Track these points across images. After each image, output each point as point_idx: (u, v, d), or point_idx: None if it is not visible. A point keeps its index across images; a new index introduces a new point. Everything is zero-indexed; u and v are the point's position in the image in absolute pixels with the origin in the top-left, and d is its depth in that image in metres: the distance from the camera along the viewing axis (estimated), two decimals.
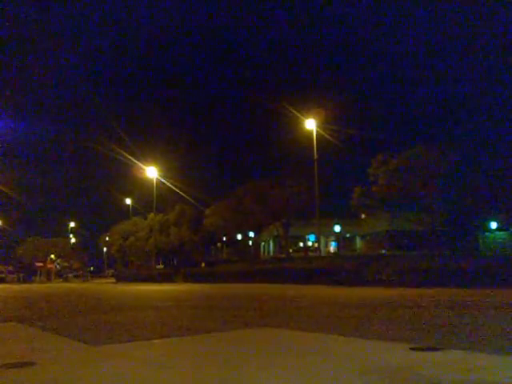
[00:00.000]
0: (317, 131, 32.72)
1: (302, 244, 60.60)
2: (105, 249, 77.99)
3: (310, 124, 33.00)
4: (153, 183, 49.90)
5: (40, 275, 74.84)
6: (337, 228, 56.00)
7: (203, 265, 47.76)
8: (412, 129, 68.32)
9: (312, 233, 53.97)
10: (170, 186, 48.36)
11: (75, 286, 45.26)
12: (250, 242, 59.37)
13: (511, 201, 31.12)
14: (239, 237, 56.33)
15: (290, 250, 49.33)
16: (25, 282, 66.14)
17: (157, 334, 6.85)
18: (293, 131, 36.78)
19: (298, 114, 33.66)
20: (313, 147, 32.31)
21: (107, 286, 39.42)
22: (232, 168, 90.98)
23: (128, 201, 65.01)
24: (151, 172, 49.51)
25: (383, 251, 43.20)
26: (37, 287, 40.77)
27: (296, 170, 40.74)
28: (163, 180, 49.14)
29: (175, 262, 60.50)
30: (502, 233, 41.37)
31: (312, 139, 32.56)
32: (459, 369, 4.13)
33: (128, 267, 67.86)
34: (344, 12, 72.67)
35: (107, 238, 69.56)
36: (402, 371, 4.03)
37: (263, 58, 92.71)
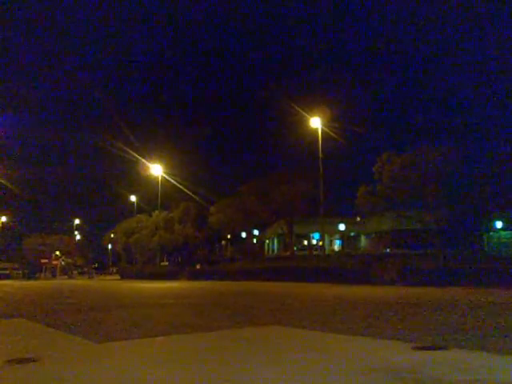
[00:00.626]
0: (322, 130, 32.67)
1: (306, 242, 60.52)
2: (109, 246, 78.16)
3: (316, 122, 32.95)
4: (158, 181, 49.99)
5: (45, 272, 75.10)
6: (341, 226, 55.89)
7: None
8: (417, 128, 68.01)
9: (316, 231, 53.87)
10: (175, 183, 48.45)
11: (80, 282, 45.42)
12: (255, 240, 59.38)
13: None
14: (244, 235, 56.34)
15: (295, 249, 49.29)
16: (30, 278, 66.40)
17: (160, 331, 6.87)
18: (298, 129, 36.75)
19: (304, 113, 33.63)
20: (318, 145, 32.27)
21: (112, 283, 39.54)
22: (237, 166, 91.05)
23: (133, 198, 65.15)
24: (156, 169, 49.58)
25: (388, 250, 43.08)
26: (41, 284, 40.92)
27: (301, 169, 40.74)
28: (168, 177, 49.23)
29: (180, 260, 60.58)
30: (507, 232, 41.22)
31: (317, 137, 32.52)
32: (462, 368, 4.12)
33: (132, 264, 68.01)
34: (350, 10, 72.50)
35: (112, 235, 69.72)
36: (404, 370, 4.03)
37: (268, 56, 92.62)
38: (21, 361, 4.61)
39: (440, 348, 4.96)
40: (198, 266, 46.91)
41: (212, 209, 48.29)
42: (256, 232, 55.38)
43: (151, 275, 48.29)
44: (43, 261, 76.03)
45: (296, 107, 33.86)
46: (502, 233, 41.56)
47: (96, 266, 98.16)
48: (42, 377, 4.08)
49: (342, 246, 61.07)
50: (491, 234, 41.51)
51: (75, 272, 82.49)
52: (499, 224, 41.41)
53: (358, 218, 40.10)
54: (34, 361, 4.61)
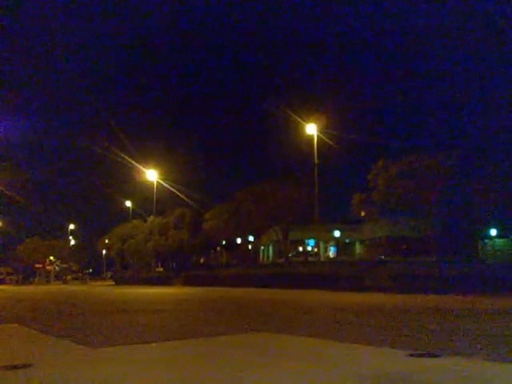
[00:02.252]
0: (318, 136, 32.71)
1: (301, 249, 60.49)
2: (104, 251, 77.85)
3: (311, 129, 33.00)
4: (153, 186, 49.91)
5: (39, 277, 74.77)
6: (336, 233, 55.95)
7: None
8: (413, 135, 68.37)
9: (311, 238, 53.89)
10: (171, 188, 48.35)
11: (74, 288, 45.21)
12: (250, 246, 59.30)
13: (511, 208, 31.14)
14: (239, 241, 56.24)
15: (290, 255, 49.23)
16: (23, 283, 66.09)
17: (155, 337, 6.85)
18: (294, 136, 36.80)
19: (299, 119, 33.68)
20: (313, 152, 32.30)
21: (106, 289, 39.38)
22: (232, 171, 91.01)
23: (128, 203, 65.05)
24: (151, 175, 49.50)
25: (383, 257, 43.16)
26: (35, 289, 40.72)
27: (296, 175, 40.73)
28: (163, 183, 49.14)
29: (174, 266, 60.41)
30: (501, 240, 41.38)
31: (313, 144, 32.57)
32: (457, 376, 4.13)
33: (127, 270, 67.77)
34: (346, 16, 72.77)
35: (107, 241, 69.46)
36: (399, 378, 4.03)
37: (264, 61, 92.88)
38: (15, 366, 4.58)
39: (434, 355, 4.96)
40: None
41: (207, 215, 48.20)
42: (251, 238, 55.30)
43: (146, 281, 48.12)
44: (37, 266, 75.69)
45: (292, 114, 33.93)
46: (497, 240, 41.72)
47: (90, 271, 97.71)
48: (35, 382, 4.06)
49: (337, 252, 61.09)
50: (486, 241, 41.66)
51: (69, 277, 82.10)
52: (494, 232, 41.59)
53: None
54: (28, 366, 4.58)
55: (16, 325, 9.01)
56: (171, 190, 48.36)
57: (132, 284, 49.32)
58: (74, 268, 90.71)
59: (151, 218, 56.23)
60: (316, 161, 32.07)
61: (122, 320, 9.92)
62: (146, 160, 50.27)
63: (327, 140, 33.19)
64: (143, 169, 49.21)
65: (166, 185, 48.74)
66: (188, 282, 40.76)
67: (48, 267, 78.13)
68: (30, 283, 67.41)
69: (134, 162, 47.35)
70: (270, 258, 60.97)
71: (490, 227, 40.47)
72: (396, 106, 77.50)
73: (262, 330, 7.54)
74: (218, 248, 63.76)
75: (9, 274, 73.18)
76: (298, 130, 34.55)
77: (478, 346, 5.75)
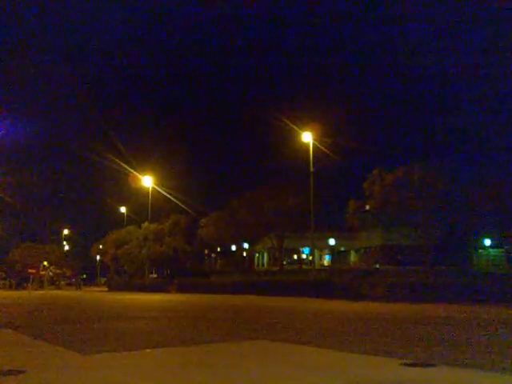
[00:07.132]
0: (313, 144, 32.74)
1: (296, 256, 60.46)
2: (98, 257, 77.51)
3: (307, 137, 33.04)
4: (148, 192, 49.81)
5: (32, 282, 74.23)
6: (331, 241, 55.91)
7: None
8: (408, 145, 68.71)
9: (306, 245, 53.86)
10: (166, 194, 48.28)
11: (67, 293, 44.97)
12: (245, 253, 59.22)
13: (505, 219, 31.27)
14: (233, 248, 56.16)
15: (284, 263, 49.19)
16: (17, 288, 65.67)
17: (148, 344, 6.83)
18: (289, 144, 36.85)
19: (295, 127, 33.73)
20: (309, 160, 32.33)
21: (100, 295, 39.18)
22: (228, 179, 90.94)
23: (123, 209, 64.83)
24: (147, 181, 49.41)
25: (377, 265, 43.12)
26: (29, 294, 40.48)
27: (292, 183, 40.76)
28: (159, 189, 49.04)
29: (169, 272, 60.21)
30: (495, 250, 41.44)
31: (308, 152, 32.59)
32: None
33: (121, 276, 67.48)
34: (342, 25, 73.30)
35: (101, 246, 69.21)
36: None
37: (261, 70, 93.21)
38: (7, 372, 4.56)
39: (428, 365, 4.97)
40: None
41: (202, 221, 48.15)
42: (246, 245, 55.23)
43: (140, 287, 47.91)
44: (31, 271, 75.15)
45: (288, 122, 33.97)
46: (491, 250, 41.78)
47: (84, 276, 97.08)
48: None
49: (332, 260, 61.05)
50: (480, 251, 41.72)
51: (63, 283, 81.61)
52: (488, 242, 41.64)
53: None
54: (20, 372, 4.56)
55: (9, 330, 8.96)
56: (166, 197, 48.33)
57: (126, 290, 49.08)
58: (67, 273, 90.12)
59: (146, 225, 56.06)
60: (311, 169, 32.08)
61: (114, 327, 9.88)
62: (141, 166, 50.24)
63: (323, 148, 33.24)
64: (138, 175, 49.15)
65: (161, 191, 48.68)
66: (182, 288, 40.62)
67: (42, 272, 77.56)
68: (24, 288, 66.92)
69: (129, 168, 47.33)
70: (265, 266, 60.93)
71: (485, 237, 40.52)
72: (394, 115, 77.88)
73: (257, 338, 7.53)
74: (213, 255, 63.66)
75: (1, 278, 72.68)
76: (294, 137, 34.61)
77: (472, 356, 5.76)
